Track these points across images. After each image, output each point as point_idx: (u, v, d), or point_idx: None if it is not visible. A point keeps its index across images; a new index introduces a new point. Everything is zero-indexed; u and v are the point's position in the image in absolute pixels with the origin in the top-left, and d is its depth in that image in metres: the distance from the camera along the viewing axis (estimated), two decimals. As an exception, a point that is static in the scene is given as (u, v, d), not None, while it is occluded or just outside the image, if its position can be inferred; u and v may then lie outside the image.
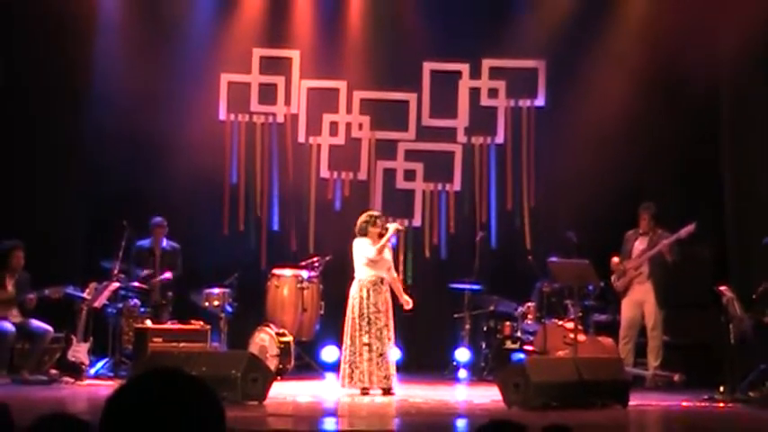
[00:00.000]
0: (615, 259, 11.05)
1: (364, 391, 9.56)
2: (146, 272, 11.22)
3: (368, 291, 9.72)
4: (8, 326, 10.19)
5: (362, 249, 9.77)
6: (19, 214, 11.37)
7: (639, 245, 11.04)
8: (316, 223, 12.60)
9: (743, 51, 11.39)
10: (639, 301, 10.95)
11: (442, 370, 11.58)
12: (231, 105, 12.71)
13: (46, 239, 11.21)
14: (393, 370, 9.65)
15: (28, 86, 11.73)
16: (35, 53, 11.65)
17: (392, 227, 9.92)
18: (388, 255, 9.91)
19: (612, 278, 11.06)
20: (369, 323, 9.66)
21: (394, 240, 10.22)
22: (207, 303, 11.11)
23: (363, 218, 9.97)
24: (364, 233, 9.84)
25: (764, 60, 11.31)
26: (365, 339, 9.62)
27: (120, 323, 10.93)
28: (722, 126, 11.92)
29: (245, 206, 12.60)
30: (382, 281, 9.79)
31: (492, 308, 11.64)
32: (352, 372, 9.61)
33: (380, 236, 9.78)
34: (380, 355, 9.58)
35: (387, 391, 9.55)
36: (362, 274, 9.80)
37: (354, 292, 9.77)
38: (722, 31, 11.53)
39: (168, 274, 11.34)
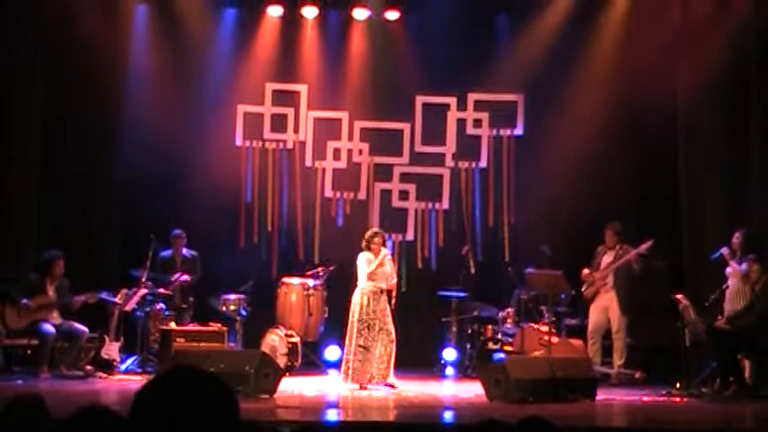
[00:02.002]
0: (586, 271, 11.05)
1: (362, 387, 9.57)
2: (175, 277, 11.23)
3: (368, 299, 9.74)
4: (49, 327, 10.20)
5: (362, 263, 9.81)
6: (62, 228, 11.39)
7: (606, 258, 11.06)
8: (320, 237, 12.61)
9: (697, 89, 11.49)
10: (605, 307, 10.96)
11: (431, 368, 11.57)
12: (246, 133, 12.74)
13: (84, 250, 11.23)
14: (388, 367, 9.66)
15: (72, 117, 11.70)
16: (78, 89, 11.62)
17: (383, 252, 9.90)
18: (388, 267, 9.92)
19: (583, 287, 11.07)
20: (367, 328, 9.67)
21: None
22: (224, 308, 11.11)
23: (368, 234, 10.00)
24: (368, 248, 9.87)
25: (715, 96, 11.39)
26: (361, 342, 9.63)
27: (147, 325, 10.93)
28: (678, 156, 11.96)
29: (258, 222, 12.62)
30: (381, 291, 9.81)
31: (476, 313, 11.65)
32: (351, 369, 9.63)
33: (370, 249, 9.80)
34: (375, 355, 9.59)
35: (385, 386, 9.56)
36: (364, 283, 9.82)
37: (356, 299, 9.79)
38: (679, 72, 11.64)
39: (186, 277, 11.36)
